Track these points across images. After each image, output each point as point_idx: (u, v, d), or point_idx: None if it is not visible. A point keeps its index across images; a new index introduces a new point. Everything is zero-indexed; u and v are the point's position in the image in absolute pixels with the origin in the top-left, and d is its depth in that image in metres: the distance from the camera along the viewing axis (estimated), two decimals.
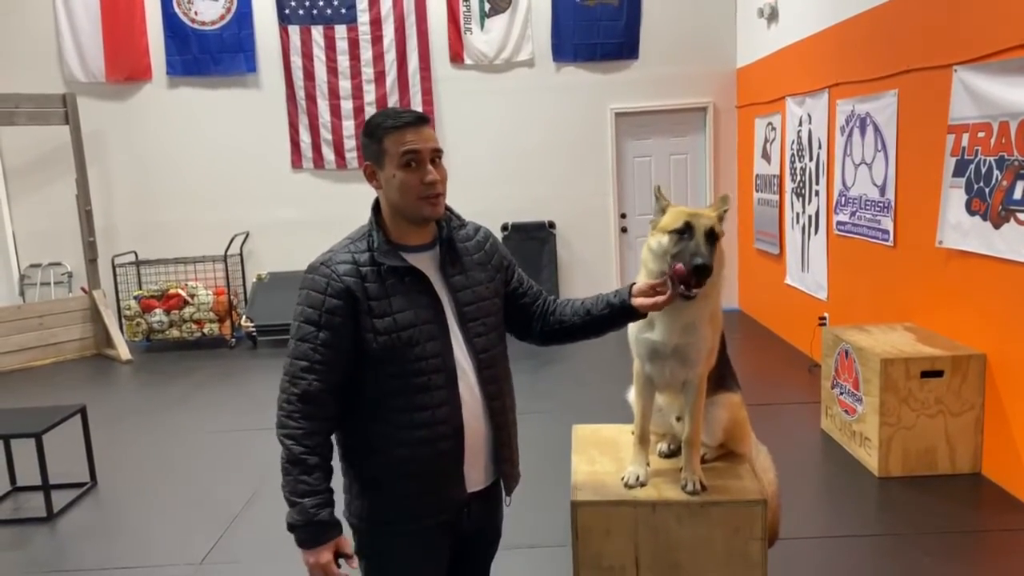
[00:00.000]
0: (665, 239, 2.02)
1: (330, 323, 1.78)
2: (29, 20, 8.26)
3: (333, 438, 1.87)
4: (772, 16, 7.12)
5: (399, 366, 1.81)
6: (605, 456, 2.41)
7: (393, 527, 1.89)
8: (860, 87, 5.40)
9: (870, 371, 4.21)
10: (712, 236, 1.99)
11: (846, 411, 4.54)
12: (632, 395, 2.36)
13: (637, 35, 8.31)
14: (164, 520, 4.13)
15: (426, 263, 1.88)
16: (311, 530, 1.77)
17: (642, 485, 2.17)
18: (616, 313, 2.01)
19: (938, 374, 4.07)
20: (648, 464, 2.24)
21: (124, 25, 8.25)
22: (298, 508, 1.77)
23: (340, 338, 1.79)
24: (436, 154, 1.82)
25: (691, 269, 1.92)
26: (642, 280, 2.05)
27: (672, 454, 2.36)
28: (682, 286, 1.94)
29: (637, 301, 1.98)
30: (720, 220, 2.05)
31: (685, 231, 1.99)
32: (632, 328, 2.16)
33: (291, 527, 1.78)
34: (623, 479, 2.19)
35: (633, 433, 2.30)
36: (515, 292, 2.08)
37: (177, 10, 8.22)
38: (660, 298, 1.95)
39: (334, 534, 1.80)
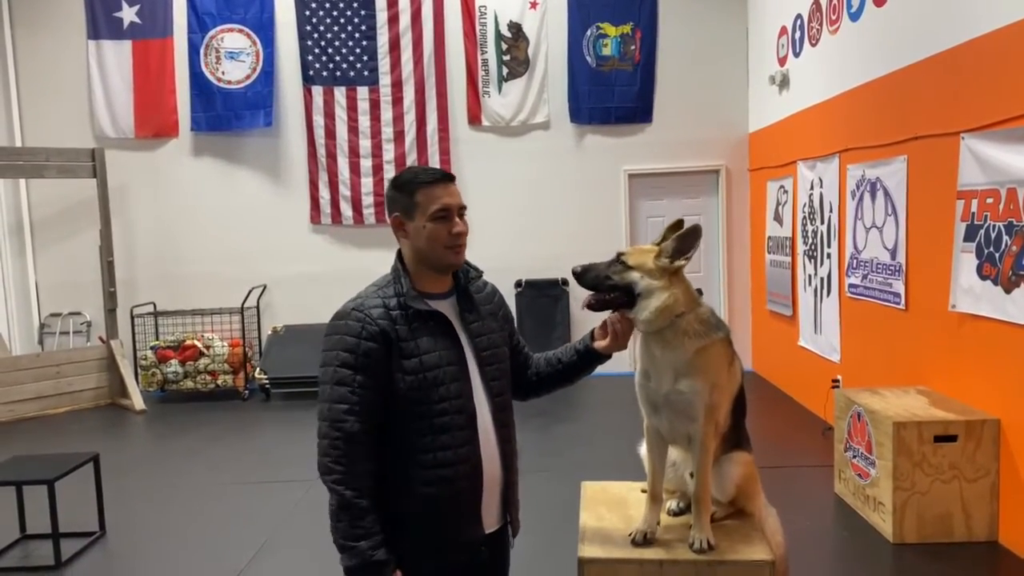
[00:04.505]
0: None
1: (366, 365, 1.85)
2: (63, 78, 8.58)
3: None
4: (783, 83, 7.28)
5: (425, 406, 1.89)
6: (613, 513, 2.41)
7: (412, 567, 1.91)
8: (870, 152, 5.49)
9: (883, 434, 4.19)
10: (620, 262, 2.12)
11: (859, 475, 4.49)
12: (643, 450, 2.38)
13: (651, 100, 8.50)
14: (171, 571, 4.11)
15: (446, 309, 1.99)
16: (369, 571, 1.81)
17: (649, 543, 2.17)
18: (583, 358, 2.19)
19: (952, 439, 4.04)
20: (659, 522, 2.24)
21: (155, 84, 8.56)
22: (355, 551, 1.81)
23: (376, 380, 1.86)
24: (462, 210, 1.97)
25: None
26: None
27: (682, 512, 2.36)
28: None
29: (598, 344, 2.15)
30: (653, 254, 2.11)
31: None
32: (636, 379, 2.24)
33: (348, 572, 1.83)
34: (630, 536, 2.20)
35: (643, 491, 2.31)
36: (514, 348, 2.21)
37: (205, 70, 8.50)
38: (613, 337, 2.12)
39: (391, 570, 1.84)
